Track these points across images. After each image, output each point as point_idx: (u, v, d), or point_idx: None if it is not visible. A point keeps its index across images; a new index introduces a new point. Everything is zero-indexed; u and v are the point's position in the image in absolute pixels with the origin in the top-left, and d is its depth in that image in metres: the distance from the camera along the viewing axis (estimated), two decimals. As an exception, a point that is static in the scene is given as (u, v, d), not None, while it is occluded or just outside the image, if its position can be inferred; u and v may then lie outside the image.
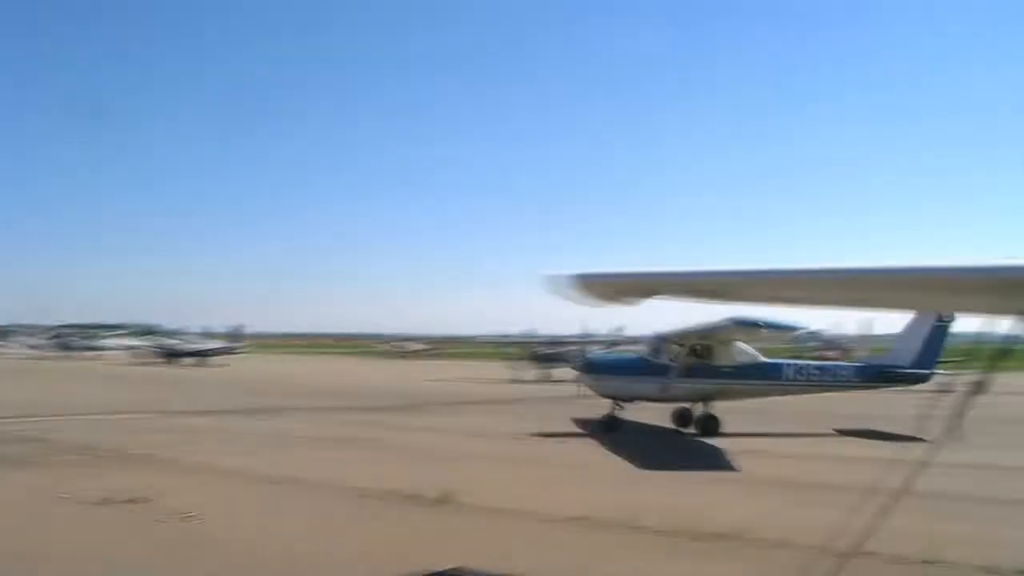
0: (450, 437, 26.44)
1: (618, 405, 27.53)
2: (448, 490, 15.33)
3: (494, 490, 16.36)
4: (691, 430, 27.45)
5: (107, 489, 15.57)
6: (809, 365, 30.06)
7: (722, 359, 27.25)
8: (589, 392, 28.38)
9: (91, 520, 13.42)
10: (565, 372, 64.16)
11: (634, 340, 36.64)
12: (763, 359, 28.61)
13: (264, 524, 13.50)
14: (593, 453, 22.85)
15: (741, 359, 27.70)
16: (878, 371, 29.56)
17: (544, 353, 67.01)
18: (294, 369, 76.00)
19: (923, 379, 28.18)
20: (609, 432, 26.26)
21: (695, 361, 27.04)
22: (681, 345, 27.33)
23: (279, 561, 11.17)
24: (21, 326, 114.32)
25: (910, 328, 29.15)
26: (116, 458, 20.23)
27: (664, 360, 27.35)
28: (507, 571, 10.76)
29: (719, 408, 27.33)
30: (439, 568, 10.65)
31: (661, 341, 28.26)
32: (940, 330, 28.62)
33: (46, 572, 10.58)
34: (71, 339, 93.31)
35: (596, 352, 32.21)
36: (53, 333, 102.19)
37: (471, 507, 14.77)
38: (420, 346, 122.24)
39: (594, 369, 28.36)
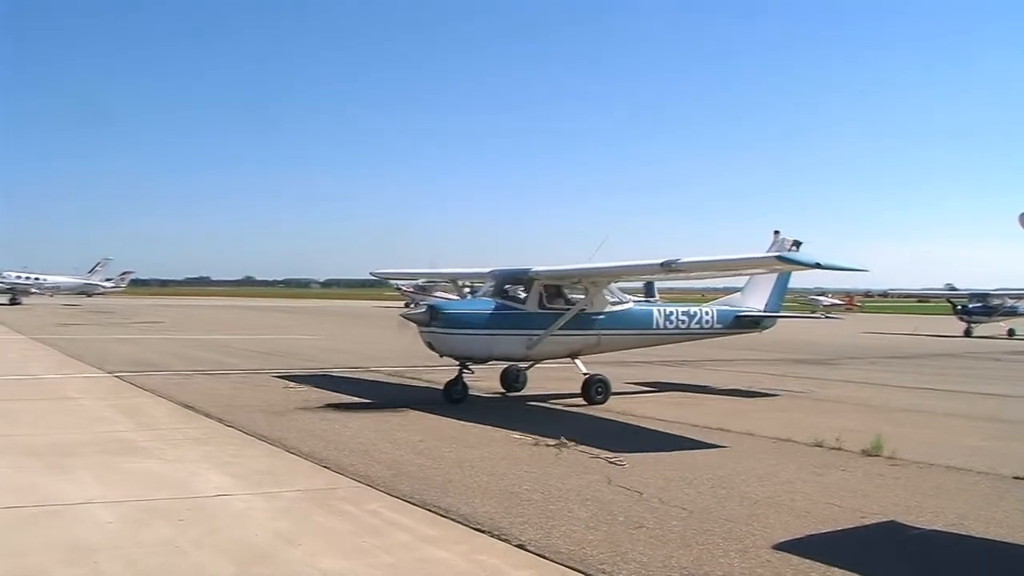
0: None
1: (466, 368, 21.40)
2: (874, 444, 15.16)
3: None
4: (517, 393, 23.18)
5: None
6: (677, 311, 24.55)
7: (595, 305, 22.18)
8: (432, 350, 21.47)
9: (542, 461, 14.06)
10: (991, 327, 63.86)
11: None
12: (634, 305, 23.76)
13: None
14: None
15: (613, 305, 22.82)
16: (736, 316, 26.03)
17: (971, 307, 63.92)
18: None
19: (773, 323, 27.50)
20: (453, 403, 20.66)
21: (563, 308, 21.77)
22: (552, 288, 21.99)
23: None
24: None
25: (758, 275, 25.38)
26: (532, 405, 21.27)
27: (531, 308, 21.52)
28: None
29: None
30: (870, 521, 10.58)
31: (508, 282, 22.23)
32: (785, 276, 26.46)
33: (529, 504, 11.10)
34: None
35: (444, 299, 23.14)
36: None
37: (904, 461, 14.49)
38: (835, 300, 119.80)
39: (443, 320, 20.84)
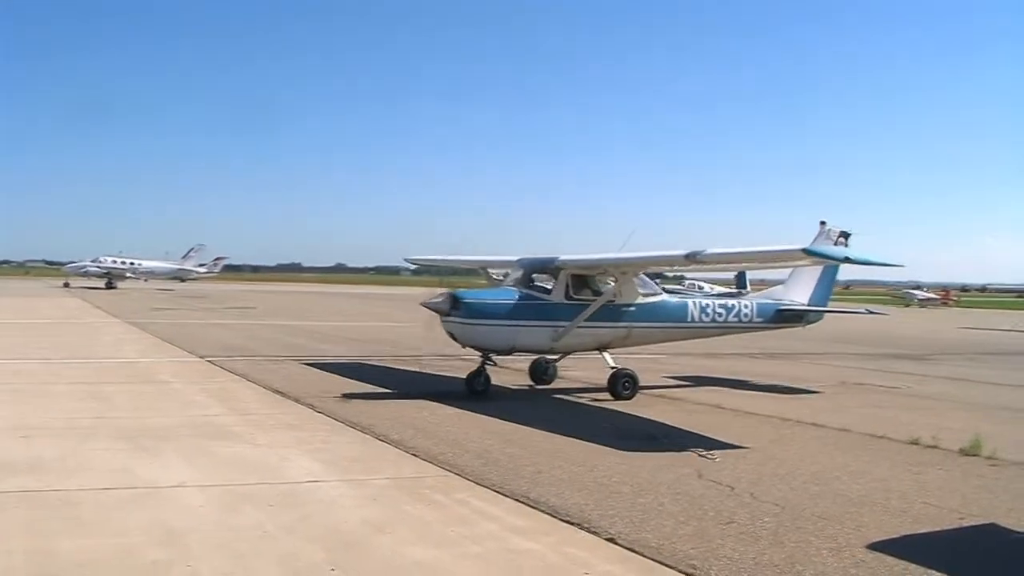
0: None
1: (488, 360, 20.86)
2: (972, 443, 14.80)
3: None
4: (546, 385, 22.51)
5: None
6: (714, 304, 23.58)
7: (625, 296, 21.24)
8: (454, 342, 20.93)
9: (633, 453, 13.98)
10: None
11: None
12: (667, 296, 22.83)
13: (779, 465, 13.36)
14: None
15: (644, 296, 21.80)
16: (778, 310, 24.71)
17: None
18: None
19: (819, 317, 26.16)
20: (475, 395, 20.12)
21: (591, 299, 20.90)
22: (579, 278, 21.12)
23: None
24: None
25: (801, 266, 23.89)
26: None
27: (557, 298, 20.71)
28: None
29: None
30: (968, 523, 10.33)
31: (535, 271, 21.44)
32: (831, 268, 24.88)
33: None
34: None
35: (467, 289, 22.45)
36: None
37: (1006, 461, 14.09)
38: (930, 294, 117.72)
39: (464, 309, 20.07)
